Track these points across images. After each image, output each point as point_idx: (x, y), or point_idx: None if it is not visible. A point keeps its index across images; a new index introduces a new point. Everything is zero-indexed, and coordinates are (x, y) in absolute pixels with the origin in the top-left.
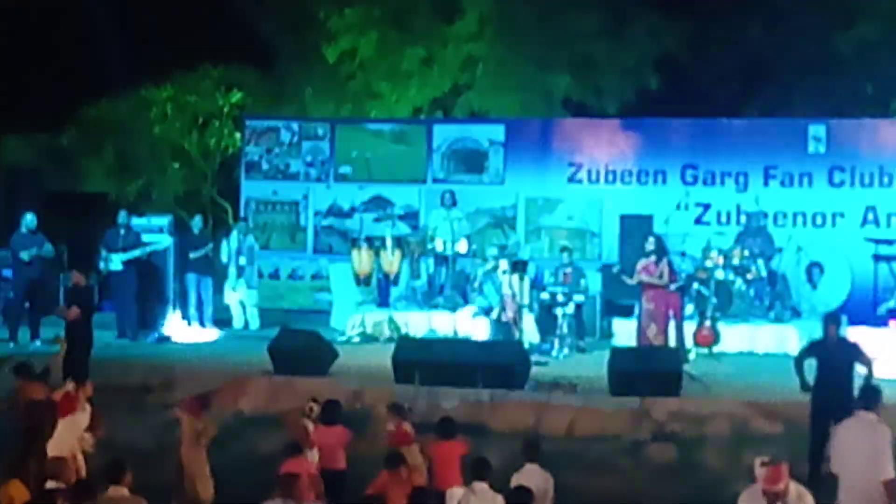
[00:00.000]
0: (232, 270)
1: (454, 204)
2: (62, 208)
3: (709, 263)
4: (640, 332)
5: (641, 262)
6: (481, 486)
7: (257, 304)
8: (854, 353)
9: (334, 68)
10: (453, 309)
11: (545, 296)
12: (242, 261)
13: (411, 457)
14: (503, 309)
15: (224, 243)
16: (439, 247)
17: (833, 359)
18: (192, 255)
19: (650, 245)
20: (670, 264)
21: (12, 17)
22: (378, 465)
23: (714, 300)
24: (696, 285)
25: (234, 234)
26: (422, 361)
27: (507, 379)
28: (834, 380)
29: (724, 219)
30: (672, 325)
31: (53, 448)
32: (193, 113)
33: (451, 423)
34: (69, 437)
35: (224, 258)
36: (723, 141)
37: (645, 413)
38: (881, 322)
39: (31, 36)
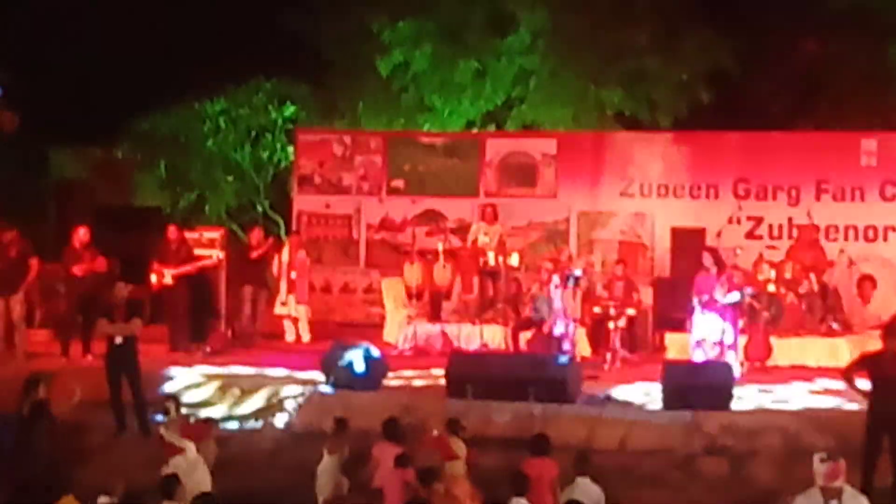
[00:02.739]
0: (283, 284)
1: (495, 219)
2: (115, 222)
3: (760, 277)
4: (696, 345)
5: (700, 276)
6: (520, 503)
7: (308, 318)
8: None
9: (387, 81)
10: (505, 323)
11: (597, 309)
12: (293, 275)
13: (454, 471)
14: (555, 322)
15: (276, 257)
16: (491, 261)
17: (890, 373)
18: (252, 255)
19: (707, 261)
20: (730, 278)
21: (65, 32)
22: None
23: (766, 314)
24: (747, 299)
25: (286, 247)
26: (474, 375)
27: (559, 393)
28: (890, 395)
29: (776, 232)
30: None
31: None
32: (246, 126)
33: (544, 440)
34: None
35: (275, 271)
36: (775, 154)
37: (697, 427)
38: None
39: (84, 49)
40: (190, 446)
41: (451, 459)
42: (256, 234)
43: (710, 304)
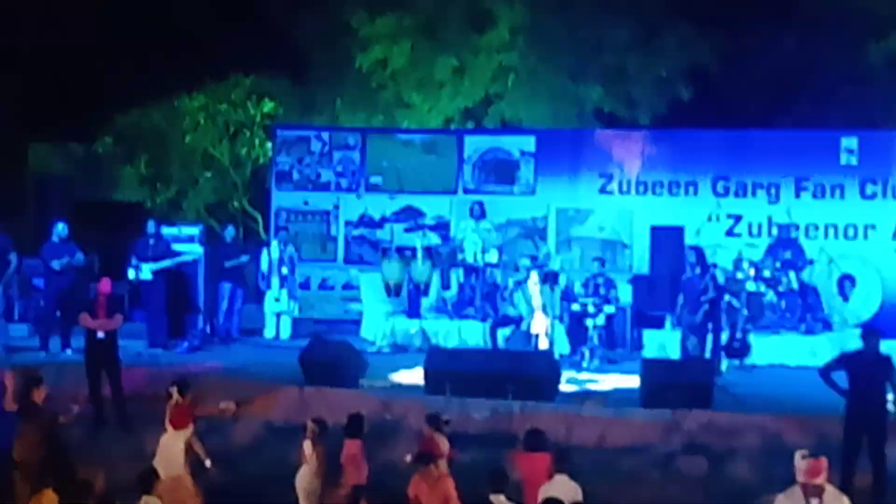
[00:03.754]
0: (274, 280)
1: (483, 215)
2: (94, 217)
3: (740, 275)
4: (682, 343)
5: (685, 275)
6: (499, 499)
7: (297, 314)
8: (888, 368)
9: (365, 78)
10: (483, 319)
11: (576, 307)
12: (284, 270)
13: (441, 468)
14: (533, 320)
15: (265, 253)
16: (470, 257)
17: (868, 373)
18: (227, 265)
19: (692, 257)
20: (714, 278)
21: (45, 27)
22: (405, 477)
23: (745, 312)
24: (727, 297)
25: (275, 243)
26: (452, 372)
27: (538, 390)
28: (869, 394)
29: (755, 230)
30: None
31: (161, 465)
32: (225, 122)
33: (539, 435)
34: (176, 452)
35: (265, 268)
36: (754, 152)
37: (676, 425)
38: None
39: (64, 45)
40: (169, 432)
41: (442, 457)
42: (230, 231)
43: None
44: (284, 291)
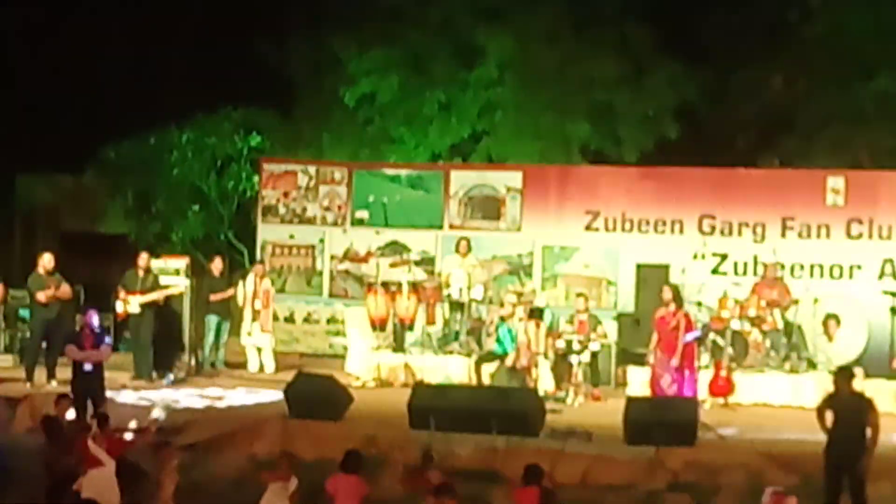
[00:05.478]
0: (247, 314)
1: (469, 251)
2: (80, 249)
3: (725, 314)
4: (653, 381)
5: (659, 312)
6: None
7: (273, 348)
8: (864, 409)
9: (353, 113)
10: (468, 355)
11: (560, 343)
12: (258, 304)
13: None
14: (518, 356)
15: (241, 286)
16: (455, 293)
17: (846, 413)
18: (213, 298)
19: (667, 295)
20: (687, 315)
21: (34, 59)
22: None
23: (730, 350)
24: (711, 335)
25: (251, 277)
26: (437, 407)
27: (522, 426)
28: (846, 433)
29: (740, 269)
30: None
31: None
32: (212, 155)
33: (537, 470)
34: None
35: (240, 301)
36: (741, 191)
37: (660, 462)
38: None
39: (53, 77)
40: (110, 463)
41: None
42: (217, 264)
43: (665, 340)
44: (257, 325)
